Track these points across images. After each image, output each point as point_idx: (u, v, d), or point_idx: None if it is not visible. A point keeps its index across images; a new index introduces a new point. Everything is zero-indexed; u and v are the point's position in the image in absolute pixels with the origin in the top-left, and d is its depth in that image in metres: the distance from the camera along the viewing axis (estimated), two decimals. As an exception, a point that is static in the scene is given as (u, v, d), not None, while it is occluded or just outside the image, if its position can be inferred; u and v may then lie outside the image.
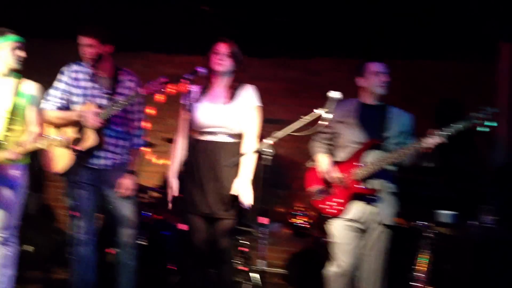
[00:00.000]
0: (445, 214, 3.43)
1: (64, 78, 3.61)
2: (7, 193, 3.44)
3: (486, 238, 3.09)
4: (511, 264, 3.10)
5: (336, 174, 3.34)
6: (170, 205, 3.43)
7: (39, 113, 3.55)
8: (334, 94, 2.85)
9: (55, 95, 3.59)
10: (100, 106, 3.46)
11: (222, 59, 3.31)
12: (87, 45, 3.51)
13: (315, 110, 2.86)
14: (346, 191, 3.34)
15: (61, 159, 3.56)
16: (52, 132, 3.57)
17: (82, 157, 3.50)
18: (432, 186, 4.23)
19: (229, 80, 3.36)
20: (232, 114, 3.30)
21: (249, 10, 4.94)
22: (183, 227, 3.16)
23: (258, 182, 3.20)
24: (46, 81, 3.69)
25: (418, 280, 2.98)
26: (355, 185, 3.31)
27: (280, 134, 2.88)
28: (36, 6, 5.05)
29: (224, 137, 3.33)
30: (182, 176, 3.39)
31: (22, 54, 3.46)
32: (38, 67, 5.44)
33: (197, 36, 4.63)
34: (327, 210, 3.36)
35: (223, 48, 3.33)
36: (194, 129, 3.35)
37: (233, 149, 3.30)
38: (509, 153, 3.52)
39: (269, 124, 5.20)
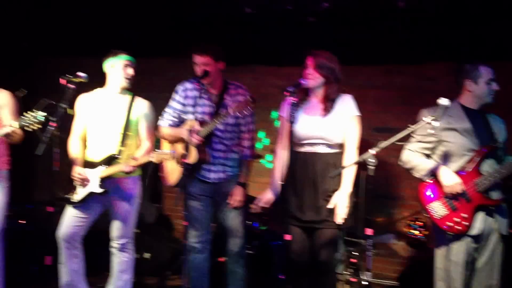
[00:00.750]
0: None
1: (177, 96, 3.75)
2: (122, 203, 3.66)
3: None
4: None
5: (462, 187, 3.12)
6: (254, 209, 3.49)
7: (151, 128, 3.75)
8: (444, 101, 2.71)
9: (169, 112, 3.75)
10: (201, 123, 3.55)
11: (310, 73, 3.28)
12: (202, 64, 3.59)
13: (423, 118, 2.74)
14: (470, 205, 3.11)
15: (174, 172, 3.71)
16: (166, 147, 3.74)
17: (193, 171, 3.63)
18: None
19: (326, 90, 3.29)
20: (330, 125, 3.25)
21: (357, 17, 4.85)
22: (288, 237, 3.16)
23: (363, 192, 3.14)
24: (163, 98, 3.88)
25: None
26: (479, 197, 3.10)
27: (385, 143, 2.79)
28: (152, 27, 5.34)
29: (322, 148, 3.29)
30: (283, 186, 3.38)
31: (132, 72, 3.67)
32: (156, 84, 5.86)
33: (305, 47, 4.66)
34: (453, 228, 3.12)
35: (309, 61, 3.30)
36: (294, 141, 3.32)
37: (332, 160, 3.26)
38: None
39: (379, 133, 5.14)
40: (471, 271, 3.16)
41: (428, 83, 5.34)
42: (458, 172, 3.15)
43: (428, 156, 3.28)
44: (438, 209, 3.17)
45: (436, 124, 2.74)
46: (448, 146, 3.20)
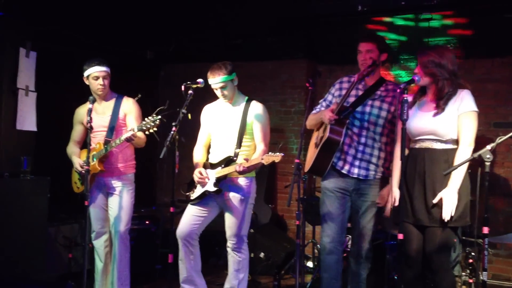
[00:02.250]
0: None
1: (332, 89, 3.82)
2: (236, 204, 3.79)
3: None
4: None
5: None
6: (387, 214, 3.40)
7: (265, 130, 3.85)
8: None
9: (321, 103, 3.83)
10: (338, 104, 3.53)
11: (417, 71, 3.21)
12: (367, 51, 3.57)
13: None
14: None
15: (311, 160, 3.71)
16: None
17: (327, 159, 3.58)
18: None
19: (437, 87, 3.18)
20: (441, 121, 3.15)
21: (480, 10, 4.68)
22: (401, 236, 3.10)
23: (468, 189, 3.05)
24: (276, 100, 3.95)
25: None
26: None
27: (503, 138, 2.67)
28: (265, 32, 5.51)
29: (434, 144, 3.19)
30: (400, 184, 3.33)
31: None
32: (269, 87, 6.02)
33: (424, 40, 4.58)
34: None
35: (418, 60, 3.24)
36: (409, 138, 3.28)
37: (444, 156, 3.15)
38: None
39: (500, 128, 4.90)
40: None
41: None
42: None
43: None
44: None
45: None
46: None
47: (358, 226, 3.63)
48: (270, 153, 3.57)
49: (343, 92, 3.68)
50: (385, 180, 3.60)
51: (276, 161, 3.54)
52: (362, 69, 3.55)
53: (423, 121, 3.22)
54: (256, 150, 3.83)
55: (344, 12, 4.98)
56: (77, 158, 4.09)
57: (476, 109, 3.15)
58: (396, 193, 3.32)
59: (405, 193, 3.21)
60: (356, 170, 3.59)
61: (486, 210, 2.81)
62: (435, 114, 3.18)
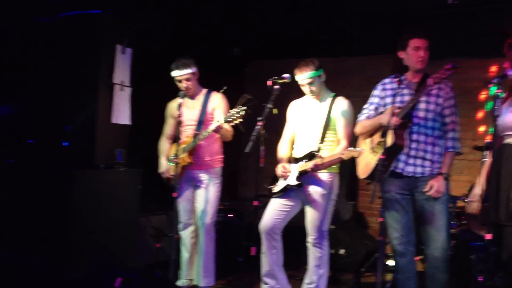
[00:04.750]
0: None
1: (375, 92, 3.76)
2: (317, 199, 3.83)
3: None
4: None
5: None
6: (473, 213, 3.30)
7: (348, 126, 3.85)
8: None
9: (367, 107, 3.77)
10: (399, 108, 3.46)
11: (508, 65, 3.10)
12: (425, 48, 3.51)
13: None
14: None
15: (368, 166, 3.64)
16: (366, 143, 3.73)
17: (390, 163, 3.49)
18: None
19: None
20: None
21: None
22: (489, 237, 2.99)
23: None
24: (361, 96, 3.97)
25: None
26: None
27: None
28: (349, 28, 5.51)
29: None
30: (488, 182, 3.24)
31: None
32: (353, 83, 6.01)
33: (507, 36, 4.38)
34: None
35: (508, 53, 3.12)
36: (499, 134, 3.18)
37: None
38: None
39: None
40: None
41: None
42: None
43: None
44: None
45: None
46: None
47: (426, 226, 3.50)
48: (351, 148, 3.57)
49: (387, 93, 3.62)
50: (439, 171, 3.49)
51: (356, 156, 3.54)
52: (419, 66, 3.49)
53: (507, 117, 3.13)
54: (338, 146, 3.86)
55: (434, 6, 4.87)
56: (164, 161, 4.31)
57: None
58: (477, 190, 3.22)
59: (492, 191, 3.13)
60: (411, 168, 3.50)
61: None
62: None
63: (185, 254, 4.34)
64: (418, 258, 3.95)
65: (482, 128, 5.57)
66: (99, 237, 4.23)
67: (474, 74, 5.40)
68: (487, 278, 3.71)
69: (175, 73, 4.14)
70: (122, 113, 4.45)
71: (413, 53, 3.50)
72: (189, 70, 4.13)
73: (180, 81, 4.15)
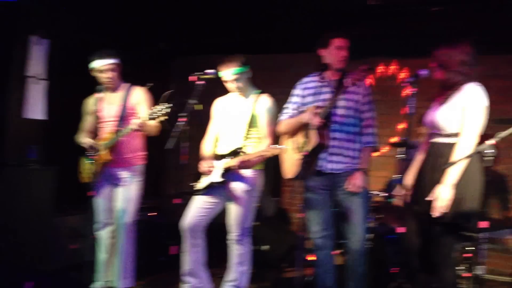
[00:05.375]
0: None
1: (296, 91, 3.83)
2: (241, 196, 3.83)
3: None
4: None
5: None
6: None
7: (272, 124, 3.87)
8: None
9: (289, 107, 3.83)
10: (320, 107, 3.55)
11: (432, 66, 3.23)
12: (343, 48, 3.61)
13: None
14: None
15: (292, 165, 3.74)
16: (289, 142, 3.78)
17: (312, 161, 3.61)
18: None
19: (448, 81, 3.19)
20: (444, 115, 3.16)
21: (480, 6, 4.71)
22: (402, 230, 3.11)
23: (478, 184, 3.04)
24: (287, 93, 3.99)
25: None
26: None
27: (504, 134, 2.67)
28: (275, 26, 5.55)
29: (440, 138, 3.22)
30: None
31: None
32: (279, 80, 6.06)
33: (427, 38, 4.61)
34: None
35: (433, 54, 3.24)
36: (428, 132, 3.34)
37: (447, 151, 3.13)
38: None
39: (503, 124, 4.91)
40: None
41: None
42: None
43: None
44: None
45: None
46: None
47: (348, 220, 3.63)
48: (274, 145, 3.60)
49: (307, 92, 3.71)
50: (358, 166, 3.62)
51: (280, 153, 3.57)
52: (340, 66, 3.60)
53: (431, 115, 3.26)
54: (260, 144, 3.86)
55: (355, 6, 5.01)
56: (87, 138, 4.10)
57: (483, 103, 3.10)
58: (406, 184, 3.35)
59: (416, 188, 3.26)
60: (331, 165, 3.61)
61: (484, 206, 2.81)
62: (440, 108, 3.21)
63: (102, 255, 4.17)
64: (337, 252, 4.06)
65: (400, 126, 5.80)
66: (9, 238, 4.00)
67: (393, 73, 5.60)
68: (401, 270, 3.87)
69: (97, 63, 3.98)
70: (35, 107, 4.24)
71: (336, 52, 3.61)
72: (112, 61, 4.00)
73: (102, 71, 3.99)
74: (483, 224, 2.83)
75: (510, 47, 5.13)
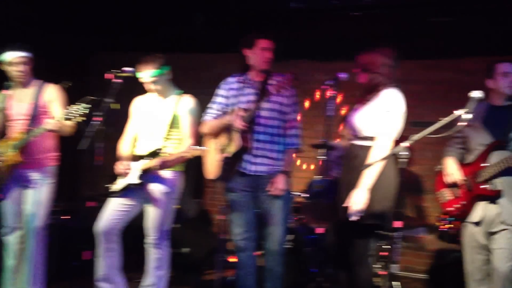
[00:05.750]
0: None
1: (220, 91, 3.77)
2: (159, 198, 3.73)
3: None
4: None
5: (460, 177, 3.38)
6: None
7: (194, 125, 3.79)
8: (476, 94, 2.70)
9: (212, 107, 3.76)
10: (245, 110, 3.52)
11: (356, 70, 3.33)
12: (268, 49, 3.59)
13: (454, 111, 2.72)
14: (470, 194, 3.34)
15: (214, 166, 3.69)
16: (212, 143, 3.73)
17: (234, 163, 3.58)
18: None
19: (369, 85, 3.27)
20: (362, 118, 3.24)
21: (397, 13, 4.88)
22: (321, 230, 3.16)
23: (393, 186, 3.12)
24: (210, 94, 3.93)
25: None
26: (479, 187, 3.29)
27: (417, 137, 2.77)
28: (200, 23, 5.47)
29: (358, 141, 3.28)
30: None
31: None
32: (203, 80, 6.00)
33: (348, 42, 4.71)
34: (453, 212, 3.42)
35: (357, 58, 3.32)
36: (349, 134, 3.39)
37: (364, 153, 3.20)
38: None
39: (417, 127, 5.10)
40: (487, 256, 3.34)
41: (466, 78, 5.32)
42: (465, 164, 3.42)
43: (462, 149, 3.53)
44: (444, 195, 3.52)
45: (468, 116, 2.71)
46: (469, 141, 3.45)
47: (269, 221, 3.63)
48: (195, 146, 3.54)
49: (231, 93, 3.69)
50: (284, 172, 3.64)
51: (201, 155, 3.52)
52: (264, 67, 3.59)
53: (350, 118, 3.33)
54: (182, 145, 3.78)
55: (278, 9, 5.04)
56: None
57: (401, 107, 3.19)
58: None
59: (341, 189, 3.30)
60: (255, 168, 3.60)
61: (399, 205, 2.90)
62: (359, 111, 3.28)
63: (10, 262, 3.93)
64: (259, 253, 4.05)
65: (319, 127, 5.89)
66: None
67: (314, 75, 5.68)
68: (320, 270, 3.93)
69: (7, 56, 3.76)
70: None
71: (260, 53, 3.59)
72: (24, 54, 3.79)
73: (12, 64, 3.77)
74: (398, 224, 2.93)
75: (424, 52, 5.34)
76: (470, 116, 2.71)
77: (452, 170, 3.46)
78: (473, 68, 5.32)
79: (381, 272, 4.16)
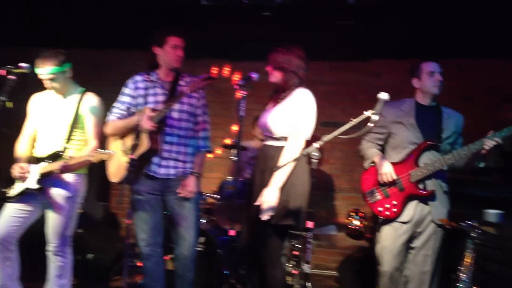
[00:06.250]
0: (491, 214, 3.32)
1: (126, 90, 3.58)
2: (61, 203, 3.53)
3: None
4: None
5: (396, 176, 3.34)
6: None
7: (99, 126, 3.62)
8: (383, 96, 2.75)
9: (117, 107, 3.57)
10: (154, 110, 3.37)
11: (268, 69, 3.30)
12: (180, 47, 3.47)
13: (364, 112, 2.76)
14: (402, 193, 3.33)
15: (119, 168, 3.49)
16: (116, 144, 3.55)
17: (141, 165, 3.41)
18: (483, 186, 4.14)
19: (282, 84, 3.26)
20: (275, 119, 3.22)
21: (307, 14, 4.93)
22: (233, 232, 3.10)
23: (305, 186, 3.13)
24: (116, 92, 3.74)
25: (463, 281, 2.92)
26: (411, 187, 3.30)
27: (328, 137, 2.78)
28: (106, 19, 5.25)
29: (270, 141, 3.26)
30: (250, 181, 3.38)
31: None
32: (108, 78, 5.75)
33: (259, 41, 4.70)
34: (383, 212, 3.36)
35: (268, 57, 3.30)
36: (262, 135, 3.36)
37: (276, 154, 3.18)
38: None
39: (327, 127, 5.21)
40: (406, 257, 3.37)
41: (373, 79, 5.53)
42: (396, 163, 3.36)
43: (381, 146, 3.51)
44: (373, 195, 3.43)
45: (375, 118, 2.72)
46: (395, 138, 3.44)
47: (177, 226, 3.51)
48: (100, 149, 3.35)
49: (139, 92, 3.51)
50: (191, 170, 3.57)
51: (106, 159, 3.34)
52: (175, 65, 3.48)
53: (262, 118, 3.30)
54: (86, 146, 3.61)
55: (189, 6, 4.93)
56: None
57: (312, 108, 3.21)
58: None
59: (249, 190, 3.29)
60: (164, 171, 3.47)
61: (311, 205, 2.91)
62: (271, 111, 3.25)
63: None
64: (168, 257, 3.93)
65: (233, 128, 5.85)
66: None
67: (226, 74, 5.61)
68: (233, 271, 3.88)
69: None
70: None
71: (171, 51, 3.46)
72: None
73: None
74: (310, 224, 2.92)
75: (333, 54, 5.46)
76: (377, 117, 2.72)
77: (388, 169, 3.37)
78: (379, 70, 5.56)
79: (293, 271, 4.19)
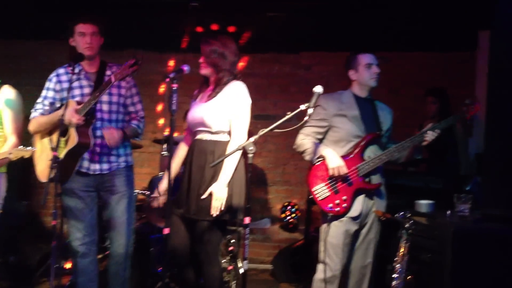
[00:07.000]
0: (423, 204, 3.36)
1: (49, 84, 3.39)
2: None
3: (462, 227, 3.04)
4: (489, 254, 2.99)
5: (345, 170, 3.22)
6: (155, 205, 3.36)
7: (18, 120, 3.42)
8: (318, 89, 2.74)
9: (41, 102, 3.38)
10: (79, 103, 3.20)
11: (201, 61, 3.21)
12: (91, 34, 3.29)
13: (300, 106, 2.74)
14: (351, 188, 3.25)
15: (46, 166, 3.24)
16: (44, 142, 3.37)
17: (73, 162, 3.24)
18: (414, 177, 4.26)
19: (216, 77, 3.18)
20: (211, 112, 3.13)
21: (237, 6, 4.87)
22: (166, 230, 3.01)
23: (242, 180, 3.11)
24: (34, 84, 3.52)
25: (397, 271, 2.96)
26: (359, 181, 3.25)
27: (265, 131, 2.75)
28: (23, 8, 4.96)
29: (207, 135, 3.17)
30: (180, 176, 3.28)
31: None
32: (25, 69, 5.44)
33: (187, 33, 4.60)
34: (333, 209, 3.24)
35: (201, 49, 3.19)
36: (192, 129, 3.25)
37: (217, 148, 3.13)
38: (487, 140, 3.50)
39: (259, 120, 5.22)
40: (350, 252, 3.33)
41: (303, 72, 5.57)
42: (342, 157, 3.26)
43: (320, 140, 3.36)
44: (321, 191, 3.26)
45: (310, 111, 2.72)
46: (338, 132, 3.31)
47: (113, 222, 3.40)
48: (20, 147, 3.15)
49: (63, 85, 3.34)
50: (129, 167, 3.48)
51: (26, 156, 3.14)
52: (87, 53, 3.30)
53: (196, 112, 3.19)
54: (6, 143, 3.40)
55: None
56: None
57: (248, 100, 3.16)
58: (163, 186, 3.27)
59: (182, 185, 3.19)
60: (97, 166, 3.34)
61: (248, 201, 2.86)
62: (206, 104, 3.16)
63: None
64: (99, 256, 3.78)
65: (161, 121, 5.72)
66: None
67: (153, 67, 5.47)
68: (165, 269, 3.79)
69: None
70: None
71: (80, 39, 3.29)
72: None
73: None
74: (247, 220, 2.86)
75: (263, 46, 5.45)
76: (312, 110, 2.71)
77: (339, 162, 3.21)
78: (309, 62, 5.60)
79: (229, 268, 4.17)
